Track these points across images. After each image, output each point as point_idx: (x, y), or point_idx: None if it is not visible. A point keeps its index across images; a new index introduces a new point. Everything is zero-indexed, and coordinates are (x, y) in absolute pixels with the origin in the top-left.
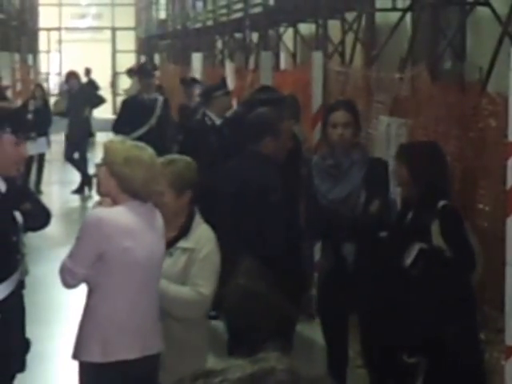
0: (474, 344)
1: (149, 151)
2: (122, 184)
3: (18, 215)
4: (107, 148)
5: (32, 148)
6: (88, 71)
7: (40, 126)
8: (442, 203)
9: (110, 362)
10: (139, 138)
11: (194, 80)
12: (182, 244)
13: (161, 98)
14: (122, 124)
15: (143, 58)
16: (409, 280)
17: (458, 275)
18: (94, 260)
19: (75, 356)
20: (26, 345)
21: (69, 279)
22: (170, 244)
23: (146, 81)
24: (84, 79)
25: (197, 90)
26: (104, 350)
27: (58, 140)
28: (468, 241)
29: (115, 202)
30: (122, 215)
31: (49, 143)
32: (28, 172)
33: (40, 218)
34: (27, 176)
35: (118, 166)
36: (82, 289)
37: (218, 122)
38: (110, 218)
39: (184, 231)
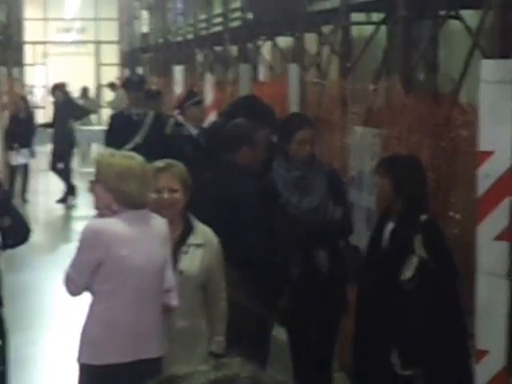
0: (466, 354)
1: (138, 160)
2: (118, 198)
3: None
4: (99, 163)
5: (15, 159)
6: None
7: (24, 137)
8: (424, 217)
9: (103, 365)
10: None
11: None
12: (193, 240)
13: (151, 113)
14: (112, 140)
15: (126, 71)
16: (402, 293)
17: (447, 287)
18: (94, 269)
19: (78, 359)
20: None
21: (72, 288)
22: (181, 242)
23: (134, 94)
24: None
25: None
26: (97, 353)
27: (42, 151)
28: (451, 254)
29: (114, 213)
30: (118, 225)
31: (33, 154)
32: (12, 182)
33: (19, 234)
34: (11, 186)
35: (112, 181)
36: (63, 296)
37: (193, 132)
38: (107, 228)
39: (189, 228)
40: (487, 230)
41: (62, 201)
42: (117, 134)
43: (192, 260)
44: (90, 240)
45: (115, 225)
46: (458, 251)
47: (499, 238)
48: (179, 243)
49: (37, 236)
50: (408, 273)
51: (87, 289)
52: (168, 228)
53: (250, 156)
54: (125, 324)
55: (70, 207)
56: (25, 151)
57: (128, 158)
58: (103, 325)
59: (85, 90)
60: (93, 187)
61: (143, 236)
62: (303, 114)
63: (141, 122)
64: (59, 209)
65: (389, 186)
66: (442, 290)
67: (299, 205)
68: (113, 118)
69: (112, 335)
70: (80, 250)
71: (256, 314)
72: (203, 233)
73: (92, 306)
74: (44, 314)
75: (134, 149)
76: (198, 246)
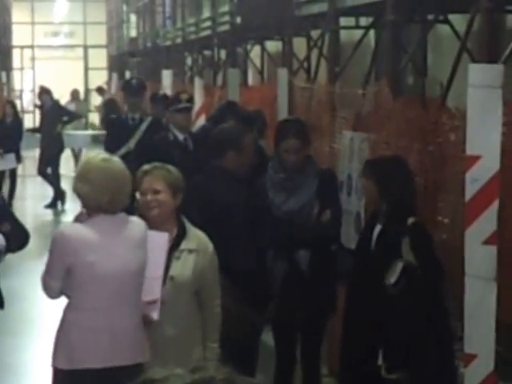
0: (451, 358)
1: (115, 164)
2: (82, 201)
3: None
4: (79, 167)
5: (0, 164)
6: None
7: (11, 142)
8: (411, 220)
9: (77, 370)
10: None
11: (165, 96)
12: (186, 246)
13: (148, 119)
14: (109, 144)
15: (115, 76)
16: (388, 297)
17: (433, 290)
18: (63, 273)
19: (51, 363)
20: None
21: (47, 291)
22: (173, 248)
23: (132, 99)
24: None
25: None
26: (70, 358)
27: (30, 156)
28: (437, 257)
29: (90, 216)
30: (88, 230)
31: (20, 159)
32: None
33: (19, 238)
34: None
35: (77, 183)
36: (53, 302)
37: (180, 137)
38: (74, 233)
39: (182, 233)
40: (475, 234)
41: (51, 206)
42: (113, 139)
43: (184, 266)
44: (58, 245)
45: (84, 230)
46: (447, 255)
47: (487, 242)
48: (172, 248)
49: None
50: (392, 278)
51: (62, 293)
52: (145, 231)
53: (236, 160)
54: (97, 330)
55: (58, 212)
56: (11, 156)
57: (105, 161)
58: (76, 330)
59: (75, 93)
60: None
61: (115, 241)
62: (296, 120)
63: (136, 128)
64: (48, 214)
65: (373, 188)
66: (428, 293)
67: (281, 206)
68: (110, 122)
69: (84, 341)
70: (51, 254)
71: (245, 319)
72: (197, 238)
73: (65, 311)
74: (32, 320)
75: (126, 154)
76: (191, 251)
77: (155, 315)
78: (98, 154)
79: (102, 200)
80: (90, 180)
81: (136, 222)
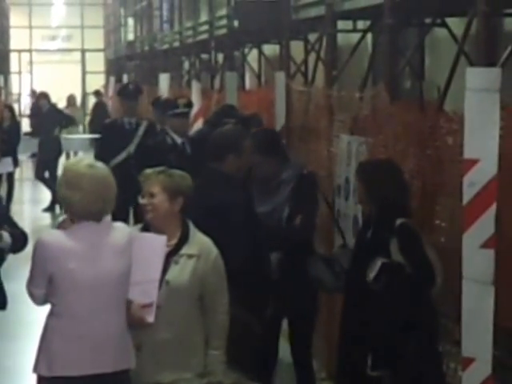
0: (435, 357)
1: (103, 170)
2: (71, 208)
3: (6, 236)
4: (62, 173)
5: None
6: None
7: (8, 146)
8: (399, 221)
9: (57, 377)
10: (118, 166)
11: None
12: (186, 251)
13: (144, 123)
14: (103, 149)
15: (112, 79)
16: (370, 295)
17: (419, 290)
18: (45, 281)
19: (33, 369)
20: None
21: (32, 299)
22: (173, 252)
23: (128, 103)
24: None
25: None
26: (49, 365)
27: (27, 159)
28: (427, 257)
29: (73, 222)
30: (67, 237)
31: (17, 163)
32: None
33: (19, 240)
34: None
35: (66, 191)
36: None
37: (178, 141)
38: (54, 240)
39: (184, 238)
40: (473, 237)
41: (49, 209)
42: (108, 144)
43: (181, 271)
44: (39, 253)
45: (65, 237)
46: (444, 259)
47: (485, 245)
48: (172, 253)
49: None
50: (371, 274)
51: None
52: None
53: (236, 164)
54: (78, 337)
55: (56, 216)
56: (7, 160)
57: (88, 167)
58: (57, 337)
59: (71, 99)
60: None
61: (97, 249)
62: (259, 134)
63: (133, 132)
64: (46, 218)
65: (362, 189)
66: (416, 293)
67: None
68: (105, 126)
69: (65, 348)
70: (32, 262)
71: (242, 323)
72: (200, 243)
73: (47, 318)
74: (31, 324)
75: (126, 158)
76: (191, 256)
77: (151, 318)
78: (80, 160)
79: (93, 208)
80: (83, 188)
81: (120, 228)
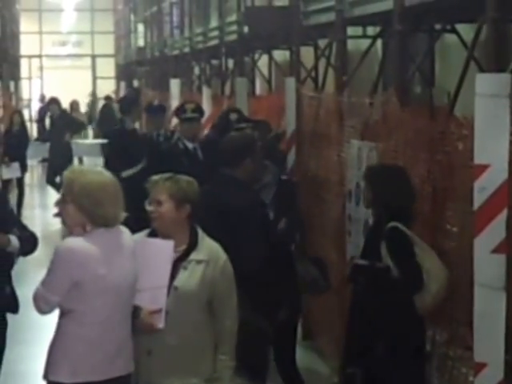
0: (411, 357)
1: (109, 178)
2: (93, 220)
3: (14, 239)
4: (71, 182)
5: (5, 173)
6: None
7: (16, 151)
8: (390, 224)
9: (79, 383)
10: (131, 177)
11: (161, 107)
12: (194, 256)
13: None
14: (120, 158)
15: (122, 84)
16: (358, 295)
17: (399, 294)
18: (68, 288)
19: (45, 376)
20: None
21: (43, 306)
22: (182, 258)
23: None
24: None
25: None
26: (73, 371)
27: (37, 165)
28: (415, 262)
29: (85, 231)
30: (92, 243)
31: (25, 168)
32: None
33: (29, 242)
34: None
35: (88, 206)
36: None
37: (190, 146)
38: (82, 247)
39: (193, 244)
40: (484, 242)
41: (60, 214)
42: (127, 153)
43: (190, 276)
44: (65, 259)
45: (90, 243)
46: (455, 264)
47: (496, 250)
48: (180, 259)
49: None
50: (348, 274)
51: (58, 306)
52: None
53: (251, 168)
54: (102, 342)
55: None
56: (16, 165)
57: (98, 174)
58: (80, 344)
59: (74, 104)
60: (63, 206)
61: (116, 253)
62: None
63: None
64: (57, 223)
65: (368, 194)
66: (401, 297)
67: None
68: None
69: (91, 353)
70: (54, 268)
71: (255, 327)
72: (208, 249)
73: (66, 325)
74: (43, 329)
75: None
76: (200, 262)
77: (160, 324)
78: (88, 169)
79: (111, 215)
80: (102, 198)
81: (125, 230)
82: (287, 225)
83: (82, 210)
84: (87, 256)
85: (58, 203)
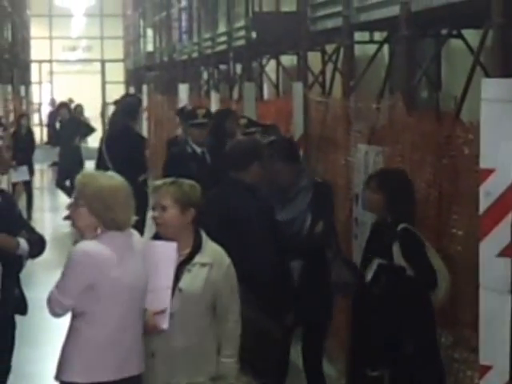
0: (433, 358)
1: (121, 182)
2: (105, 223)
3: (23, 242)
4: (83, 186)
5: (13, 176)
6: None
7: (23, 154)
8: (402, 226)
9: (90, 383)
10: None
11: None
12: (198, 259)
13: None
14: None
15: (132, 89)
16: (371, 297)
17: (419, 293)
18: (82, 291)
19: (57, 376)
20: None
21: (57, 310)
22: (186, 261)
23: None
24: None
25: None
26: (86, 371)
27: (47, 168)
28: (428, 261)
29: (96, 233)
30: (106, 246)
31: (32, 171)
32: None
33: (37, 245)
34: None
35: (100, 209)
36: (71, 313)
37: (198, 150)
38: (97, 249)
39: (197, 247)
40: (490, 246)
41: (69, 217)
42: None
43: (194, 279)
44: (81, 262)
45: (105, 246)
46: (461, 268)
47: (502, 254)
48: (185, 262)
49: (45, 253)
50: (369, 274)
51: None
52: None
53: (259, 173)
54: (115, 343)
55: None
56: (23, 168)
57: (109, 178)
58: (94, 345)
59: (78, 108)
60: (75, 209)
61: (129, 255)
62: (281, 141)
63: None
64: (67, 226)
65: (382, 201)
66: (417, 296)
67: (278, 217)
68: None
69: (104, 354)
70: (69, 272)
71: (262, 330)
72: (213, 252)
73: (77, 325)
74: (52, 331)
75: None
76: (204, 265)
77: (164, 325)
78: (99, 174)
79: (122, 219)
80: (113, 202)
81: (136, 234)
82: (324, 228)
83: (94, 214)
84: (102, 258)
85: (70, 206)
